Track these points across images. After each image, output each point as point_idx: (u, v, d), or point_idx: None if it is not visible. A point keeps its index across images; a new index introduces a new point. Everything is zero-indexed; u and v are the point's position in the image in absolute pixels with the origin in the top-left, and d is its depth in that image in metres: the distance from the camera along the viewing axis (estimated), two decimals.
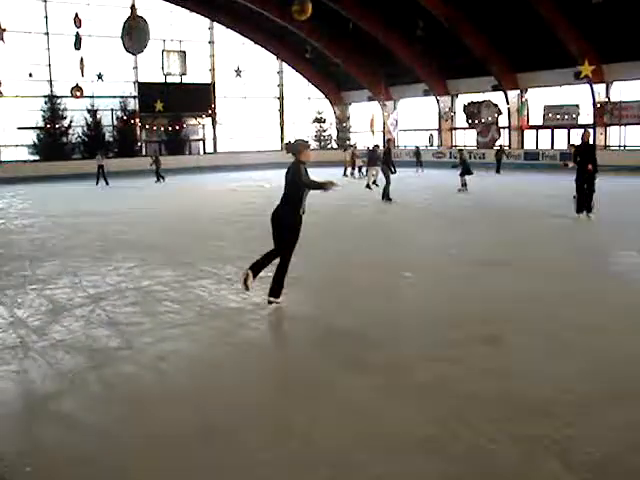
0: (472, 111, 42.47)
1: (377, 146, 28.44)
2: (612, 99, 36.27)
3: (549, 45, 35.01)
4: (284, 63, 50.49)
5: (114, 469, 4.46)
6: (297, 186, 8.15)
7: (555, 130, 39.26)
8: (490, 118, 41.37)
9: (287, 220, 8.24)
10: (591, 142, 16.31)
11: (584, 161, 15.49)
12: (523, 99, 40.10)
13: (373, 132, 47.01)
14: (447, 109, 44.10)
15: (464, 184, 24.22)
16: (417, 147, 40.45)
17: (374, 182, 25.65)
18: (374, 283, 10.04)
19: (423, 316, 8.07)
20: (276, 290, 8.31)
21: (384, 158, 22.48)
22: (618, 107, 35.96)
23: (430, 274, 10.65)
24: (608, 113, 36.11)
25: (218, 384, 6.11)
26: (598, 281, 10.00)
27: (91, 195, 28.11)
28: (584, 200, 15.82)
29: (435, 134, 45.56)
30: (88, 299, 9.18)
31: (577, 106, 37.86)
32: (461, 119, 44.00)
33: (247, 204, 22.12)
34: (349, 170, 34.93)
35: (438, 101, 44.18)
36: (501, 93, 40.21)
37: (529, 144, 40.51)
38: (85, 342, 7.28)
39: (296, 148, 8.31)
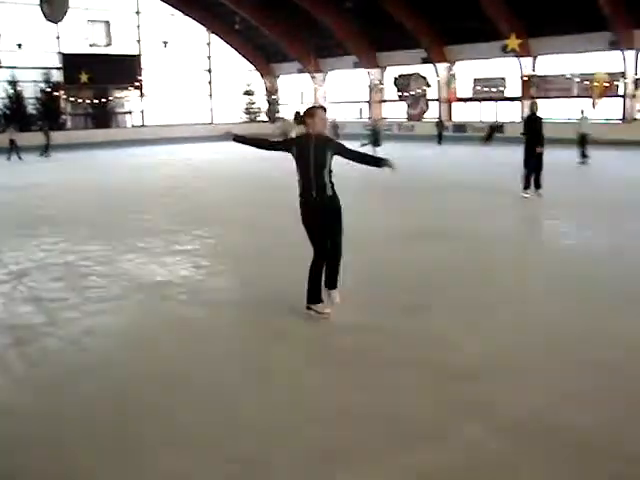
0: (402, 84, 42.66)
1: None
2: (538, 73, 36.91)
3: (478, 19, 35.35)
4: (213, 34, 49.68)
5: (34, 447, 4.33)
6: (325, 162, 6.52)
7: (483, 103, 39.77)
8: (419, 91, 41.65)
9: (337, 204, 6.68)
10: (539, 114, 15.50)
11: (532, 135, 15.10)
12: (451, 72, 40.44)
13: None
14: (377, 81, 44.15)
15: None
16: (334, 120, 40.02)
17: None
18: (301, 253, 9.93)
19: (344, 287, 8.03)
20: (313, 295, 6.78)
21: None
22: (544, 81, 36.63)
23: (365, 244, 10.68)
24: (534, 86, 36.74)
25: (143, 357, 6.00)
26: (530, 251, 10.16)
27: (3, 170, 26.84)
28: (532, 176, 15.19)
29: (365, 107, 45.60)
30: (9, 275, 8.89)
31: (503, 79, 38.43)
32: (391, 92, 44.12)
33: (173, 177, 21.82)
34: None
35: (368, 73, 44.18)
36: (431, 66, 40.47)
37: (458, 116, 40.95)
38: (6, 319, 7.04)
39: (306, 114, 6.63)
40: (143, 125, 46.84)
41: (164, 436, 4.44)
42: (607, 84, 33.46)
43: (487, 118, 38.77)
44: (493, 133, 34.43)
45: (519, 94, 37.40)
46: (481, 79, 39.40)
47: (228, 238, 11.51)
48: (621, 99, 34.11)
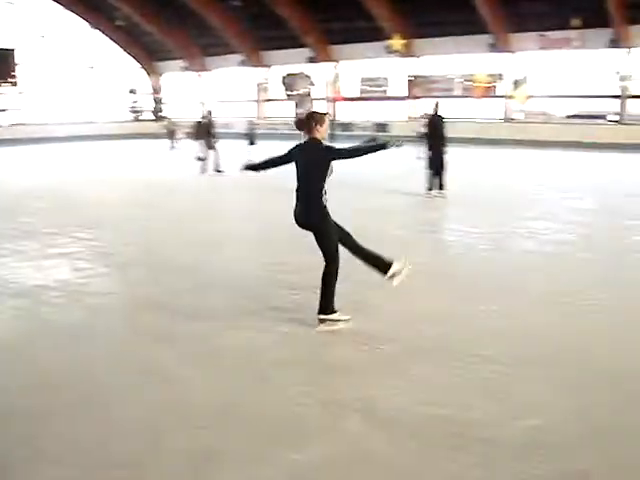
0: (289, 83, 42.60)
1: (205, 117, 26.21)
2: (422, 73, 37.71)
3: (363, 19, 35.85)
4: (97, 30, 48.10)
5: None
6: (320, 172, 6.19)
7: (368, 102, 40.23)
8: (305, 90, 41.73)
9: (314, 219, 6.30)
10: (440, 113, 15.25)
11: (433, 135, 14.97)
12: (336, 71, 40.73)
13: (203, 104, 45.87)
14: (263, 80, 43.96)
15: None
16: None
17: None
18: (180, 255, 9.69)
19: (230, 288, 7.86)
20: (324, 306, 6.32)
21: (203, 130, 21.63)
22: (427, 80, 37.45)
23: (241, 244, 10.52)
24: (418, 86, 37.51)
25: (18, 362, 5.64)
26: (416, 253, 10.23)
27: None
28: (435, 177, 14.87)
29: (253, 105, 45.27)
30: None
31: (386, 79, 39.05)
32: (279, 90, 43.99)
33: (53, 178, 20.92)
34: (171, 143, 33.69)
35: (255, 72, 43.92)
36: (316, 65, 40.60)
37: (343, 115, 41.25)
38: None
39: (315, 119, 6.30)
40: (19, 123, 44.77)
41: (39, 445, 4.16)
42: (487, 85, 34.51)
43: (373, 117, 39.31)
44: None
45: (404, 94, 38.09)
46: (367, 78, 39.88)
47: (109, 240, 11.04)
48: (500, 100, 35.32)
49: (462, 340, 5.98)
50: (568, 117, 33.28)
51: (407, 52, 36.24)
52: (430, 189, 14.96)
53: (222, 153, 20.94)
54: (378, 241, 7.51)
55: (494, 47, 34.19)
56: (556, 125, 32.92)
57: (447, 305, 7.04)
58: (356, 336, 6.09)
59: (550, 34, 32.54)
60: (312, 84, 41.48)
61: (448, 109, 36.20)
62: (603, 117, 32.96)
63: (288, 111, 43.43)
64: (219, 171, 20.62)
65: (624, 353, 5.70)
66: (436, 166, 14.82)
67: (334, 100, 41.21)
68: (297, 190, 6.32)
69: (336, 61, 40.47)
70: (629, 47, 31.66)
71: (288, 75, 42.59)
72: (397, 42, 34.23)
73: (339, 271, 6.29)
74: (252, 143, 24.41)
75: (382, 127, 37.24)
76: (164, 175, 21.23)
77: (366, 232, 7.92)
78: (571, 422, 4.47)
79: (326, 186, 6.23)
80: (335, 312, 6.31)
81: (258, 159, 6.92)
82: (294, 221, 6.40)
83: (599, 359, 5.57)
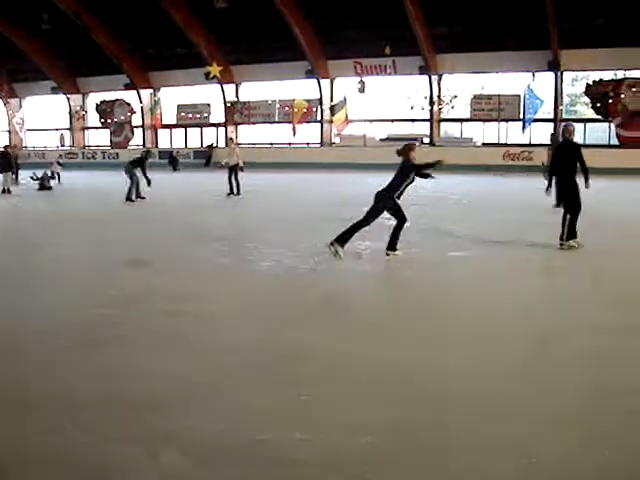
0: (105, 110, 41.11)
1: (6, 148, 24.21)
2: (241, 99, 37.58)
3: (181, 45, 35.35)
4: None
5: None
6: (404, 177, 9.65)
7: (188, 129, 39.57)
8: (123, 117, 40.40)
9: (385, 201, 9.66)
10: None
11: (564, 163, 10.46)
12: (156, 98, 39.78)
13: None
14: (78, 107, 42.12)
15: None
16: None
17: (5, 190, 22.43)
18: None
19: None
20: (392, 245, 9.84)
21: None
22: (247, 107, 37.35)
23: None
24: (238, 112, 37.33)
25: None
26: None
27: None
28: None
29: (67, 134, 43.27)
30: None
31: (209, 105, 38.59)
32: (94, 118, 42.36)
33: None
34: None
35: (69, 99, 42.01)
36: (134, 92, 39.45)
37: (164, 143, 40.32)
38: None
39: (408, 149, 9.82)
40: None
41: None
42: (306, 110, 34.85)
43: (192, 144, 38.73)
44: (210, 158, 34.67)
45: (223, 120, 37.79)
46: (186, 105, 39.17)
47: None
48: (319, 124, 35.81)
49: None
50: (382, 140, 34.16)
51: (226, 78, 35.99)
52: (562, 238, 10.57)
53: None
54: None
55: (312, 73, 34.69)
56: (374, 149, 33.68)
57: None
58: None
59: (365, 61, 33.50)
60: (133, 111, 40.22)
61: (268, 135, 36.95)
62: (416, 140, 34.10)
63: (104, 139, 41.97)
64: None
65: None
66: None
67: (155, 127, 40.21)
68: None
69: (155, 87, 39.53)
70: (437, 74, 33.19)
71: (102, 102, 41.08)
72: (215, 68, 33.84)
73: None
74: (175, 169, 23.38)
75: (203, 154, 36.69)
76: None
77: None
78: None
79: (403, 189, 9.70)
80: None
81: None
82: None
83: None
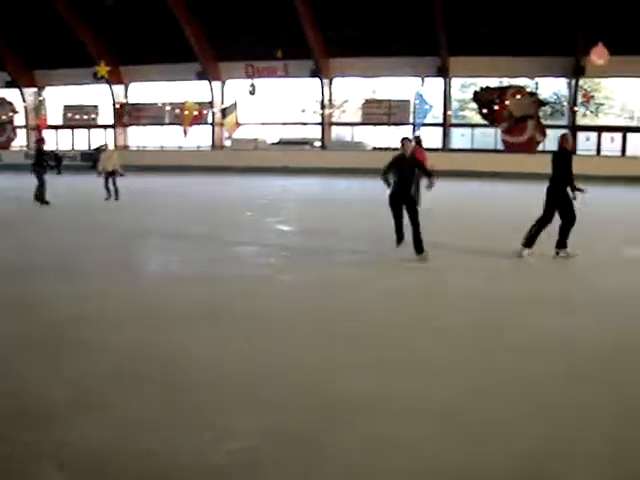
0: None
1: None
2: (130, 100, 36.58)
3: (68, 44, 34.00)
4: None
5: None
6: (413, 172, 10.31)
7: (75, 130, 38.18)
8: (5, 117, 38.58)
9: (412, 199, 10.15)
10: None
11: (557, 172, 9.98)
12: (41, 97, 38.21)
13: None
14: None
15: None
16: None
17: None
18: None
19: None
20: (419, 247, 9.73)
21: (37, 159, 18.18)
22: (137, 108, 36.37)
23: None
24: (127, 114, 36.31)
25: None
26: None
27: None
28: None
29: None
30: None
31: (96, 107, 37.35)
32: None
33: None
34: None
35: None
36: (17, 90, 37.77)
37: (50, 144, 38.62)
38: None
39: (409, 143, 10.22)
40: None
41: None
42: (197, 112, 34.19)
43: (80, 146, 37.41)
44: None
45: (111, 121, 36.68)
46: (73, 106, 37.76)
47: None
48: (210, 127, 35.23)
49: None
50: (273, 144, 33.95)
51: (115, 79, 34.95)
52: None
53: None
54: None
55: (203, 75, 34.12)
56: (265, 152, 33.38)
57: None
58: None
59: (257, 63, 33.15)
60: (15, 111, 38.46)
61: (158, 137, 36.08)
62: (308, 143, 34.06)
63: None
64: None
65: None
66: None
67: (39, 128, 38.56)
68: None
69: (39, 86, 37.96)
70: (329, 77, 33.19)
71: None
72: (103, 68, 32.72)
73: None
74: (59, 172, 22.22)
75: (90, 156, 35.37)
76: None
77: None
78: None
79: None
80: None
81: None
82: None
83: None
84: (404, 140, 10.16)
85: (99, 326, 6.39)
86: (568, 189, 9.80)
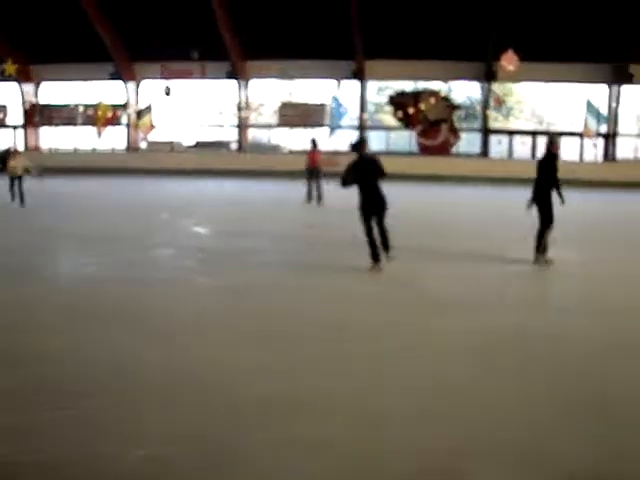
0: None
1: None
2: (42, 100, 35.55)
3: None
4: None
5: None
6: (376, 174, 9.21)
7: None
8: None
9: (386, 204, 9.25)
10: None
11: (543, 176, 10.15)
12: None
13: None
14: None
15: None
16: None
17: None
18: None
19: None
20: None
21: None
22: (49, 109, 35.38)
23: None
24: (39, 114, 35.27)
25: None
26: None
27: None
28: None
29: None
30: None
31: (4, 106, 36.10)
32: None
33: None
34: None
35: None
36: None
37: None
38: None
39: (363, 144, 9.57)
40: None
41: None
42: (111, 114, 33.45)
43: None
44: None
45: (22, 122, 35.56)
46: None
47: None
48: (125, 128, 34.55)
49: None
50: (190, 147, 33.60)
51: (24, 77, 33.89)
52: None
53: None
54: None
55: (117, 75, 33.42)
56: (181, 154, 32.96)
57: None
58: None
59: (172, 64, 32.66)
60: None
61: (72, 139, 35.11)
62: (224, 146, 33.82)
63: None
64: None
65: None
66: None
67: None
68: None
69: None
70: (246, 79, 33.01)
71: None
72: (11, 67, 31.67)
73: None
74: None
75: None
76: None
77: None
78: None
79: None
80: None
81: None
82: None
83: None
84: (361, 142, 9.57)
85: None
86: (552, 193, 9.86)
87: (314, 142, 19.82)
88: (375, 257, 9.25)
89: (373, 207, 9.10)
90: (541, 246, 9.97)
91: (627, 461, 3.92)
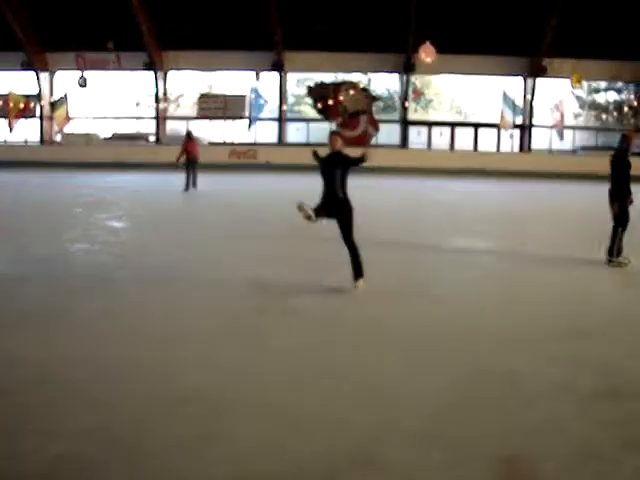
0: None
1: None
2: None
3: None
4: None
5: None
6: (345, 171, 8.03)
7: None
8: None
9: (347, 206, 8.03)
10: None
11: (614, 174, 9.84)
12: None
13: None
14: None
15: None
16: None
17: None
18: None
19: None
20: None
21: None
22: None
23: None
24: None
25: None
26: None
27: None
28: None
29: None
30: None
31: None
32: None
33: None
34: None
35: None
36: None
37: None
38: None
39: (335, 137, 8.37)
40: None
41: None
42: (23, 105, 32.39)
43: None
44: None
45: None
46: None
47: None
48: (39, 120, 33.55)
49: None
50: (107, 139, 32.90)
51: None
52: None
53: None
54: None
55: (29, 65, 32.37)
56: (97, 147, 32.23)
57: None
58: None
59: (88, 54, 31.82)
60: None
61: None
62: (142, 138, 33.26)
63: None
64: None
65: None
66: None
67: None
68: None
69: None
70: (163, 70, 32.49)
71: None
72: None
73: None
74: None
75: None
76: None
77: None
78: None
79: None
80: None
81: None
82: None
83: None
84: (332, 135, 8.35)
85: None
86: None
87: (189, 134, 20.97)
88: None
89: (329, 211, 8.00)
90: (615, 247, 9.47)
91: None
